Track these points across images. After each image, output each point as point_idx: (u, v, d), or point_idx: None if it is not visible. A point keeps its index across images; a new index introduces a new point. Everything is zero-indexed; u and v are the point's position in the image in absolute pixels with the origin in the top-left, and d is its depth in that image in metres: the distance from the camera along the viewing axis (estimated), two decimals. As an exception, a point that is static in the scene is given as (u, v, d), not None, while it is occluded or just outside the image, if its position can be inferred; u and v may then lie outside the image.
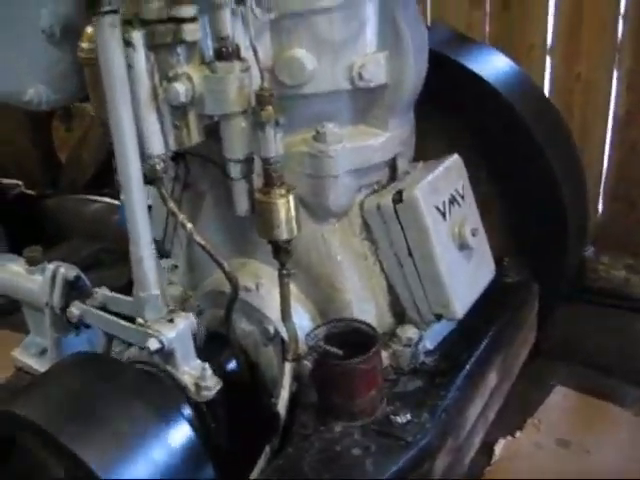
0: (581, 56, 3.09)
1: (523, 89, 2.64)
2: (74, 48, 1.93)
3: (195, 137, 1.75)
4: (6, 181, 4.52)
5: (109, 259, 3.92)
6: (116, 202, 4.12)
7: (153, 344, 1.69)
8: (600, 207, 3.25)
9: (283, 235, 1.77)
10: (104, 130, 1.75)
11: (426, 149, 2.27)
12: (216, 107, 1.70)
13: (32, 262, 2.15)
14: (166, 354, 1.75)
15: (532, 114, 2.48)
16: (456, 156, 2.20)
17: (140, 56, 1.64)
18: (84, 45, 1.80)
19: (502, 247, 2.46)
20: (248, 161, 1.77)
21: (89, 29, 1.77)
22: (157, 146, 1.71)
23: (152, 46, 1.66)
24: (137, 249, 1.72)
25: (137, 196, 1.69)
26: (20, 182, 4.54)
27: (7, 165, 4.61)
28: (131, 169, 1.67)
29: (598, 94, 3.09)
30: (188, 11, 1.63)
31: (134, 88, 1.64)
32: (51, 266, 2.09)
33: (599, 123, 3.14)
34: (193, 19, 1.64)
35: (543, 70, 3.13)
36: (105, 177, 4.25)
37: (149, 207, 1.84)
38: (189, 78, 1.68)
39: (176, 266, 2.40)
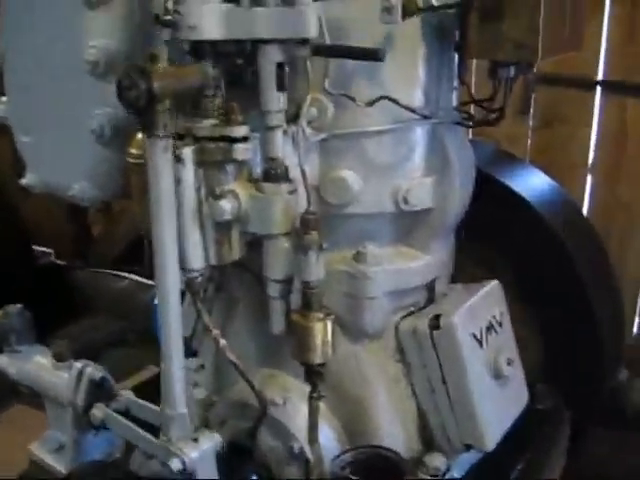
0: (622, 176, 3.07)
1: (566, 214, 2.64)
2: (121, 149, 1.94)
3: (237, 253, 1.73)
4: (37, 248, 4.54)
5: (135, 338, 3.89)
6: (145, 281, 4.13)
7: (176, 465, 1.65)
8: (635, 329, 3.18)
9: (317, 359, 1.73)
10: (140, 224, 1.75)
11: (463, 266, 2.25)
12: (260, 226, 1.69)
13: (59, 358, 2.13)
14: (187, 473, 1.70)
15: (574, 241, 2.47)
16: (496, 282, 2.17)
17: (189, 172, 1.64)
18: (133, 151, 1.80)
19: (534, 372, 2.40)
20: (288, 281, 1.74)
21: (139, 135, 1.77)
22: (198, 261, 1.69)
23: (201, 162, 1.65)
24: (168, 365, 1.69)
25: (173, 310, 1.67)
26: (51, 250, 4.56)
27: (40, 232, 4.64)
28: (169, 283, 1.66)
29: (638, 216, 3.06)
30: (240, 131, 1.63)
31: (180, 202, 1.64)
32: (78, 365, 2.07)
33: (637, 245, 3.10)
34: (245, 139, 1.64)
35: (584, 189, 3.11)
36: (135, 254, 4.24)
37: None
38: (236, 196, 1.67)
39: (202, 366, 2.36)
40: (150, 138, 1.54)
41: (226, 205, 1.65)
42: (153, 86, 1.48)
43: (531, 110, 3.04)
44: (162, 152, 1.54)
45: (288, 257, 1.72)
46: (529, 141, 3.20)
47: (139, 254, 4.16)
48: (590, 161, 3.08)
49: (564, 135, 3.11)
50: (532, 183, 2.78)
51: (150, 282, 4.08)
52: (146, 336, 3.85)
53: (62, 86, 2.04)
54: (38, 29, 2.05)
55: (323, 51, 1.60)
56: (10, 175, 4.52)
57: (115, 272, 4.26)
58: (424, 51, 1.84)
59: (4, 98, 2.26)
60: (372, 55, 1.55)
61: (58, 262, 4.43)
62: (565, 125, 3.10)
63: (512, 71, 1.84)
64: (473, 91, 2.05)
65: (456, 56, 1.95)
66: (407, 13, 1.65)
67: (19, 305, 2.23)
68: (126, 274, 4.20)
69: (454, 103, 2.02)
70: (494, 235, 2.58)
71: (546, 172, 2.85)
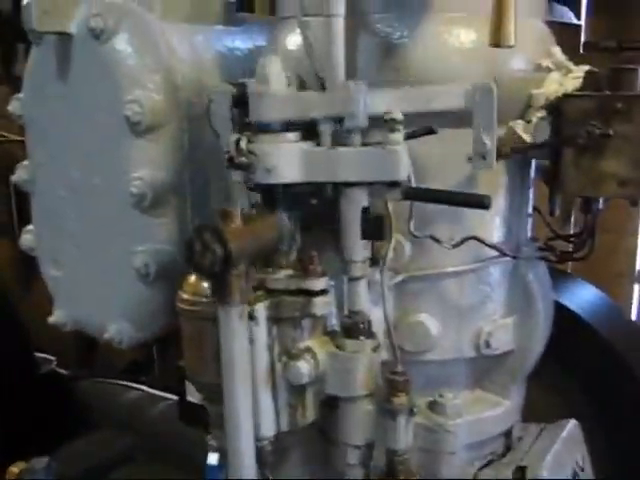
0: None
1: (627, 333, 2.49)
2: (168, 289, 1.76)
3: (310, 417, 1.54)
4: (39, 355, 4.29)
5: (144, 457, 3.64)
6: (154, 392, 3.89)
7: None
8: None
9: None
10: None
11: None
12: (340, 388, 1.50)
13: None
14: None
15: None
16: (574, 422, 1.99)
17: (262, 330, 1.45)
18: (186, 296, 1.60)
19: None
20: (369, 447, 1.54)
21: (192, 278, 1.58)
22: (268, 427, 1.50)
23: (275, 319, 1.46)
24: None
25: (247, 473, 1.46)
26: (53, 358, 4.32)
27: (41, 335, 4.39)
28: (243, 447, 1.45)
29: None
30: (320, 284, 1.45)
31: (252, 364, 1.44)
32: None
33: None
34: (324, 291, 1.46)
35: (630, 298, 2.96)
36: (143, 363, 4.03)
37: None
38: (313, 355, 1.48)
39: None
40: (224, 305, 1.35)
41: (304, 367, 1.46)
42: (230, 250, 1.31)
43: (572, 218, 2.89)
44: (237, 319, 1.36)
45: (371, 421, 1.52)
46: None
47: (149, 362, 3.98)
48: (638, 270, 2.93)
49: (608, 243, 2.97)
50: (584, 297, 2.64)
51: (160, 394, 3.86)
52: (155, 455, 3.63)
53: (100, 218, 1.86)
54: (74, 153, 1.88)
55: (418, 196, 1.43)
56: (9, 274, 4.35)
57: (122, 382, 4.01)
58: (507, 185, 1.70)
59: (30, 227, 2.07)
60: (478, 203, 1.38)
61: (61, 371, 4.17)
62: (609, 233, 2.96)
63: (602, 205, 1.69)
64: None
65: (532, 187, 1.81)
66: (501, 156, 1.50)
67: (45, 458, 2.00)
68: (134, 384, 3.97)
69: (529, 234, 1.86)
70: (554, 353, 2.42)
71: (589, 281, 2.70)
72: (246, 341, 1.39)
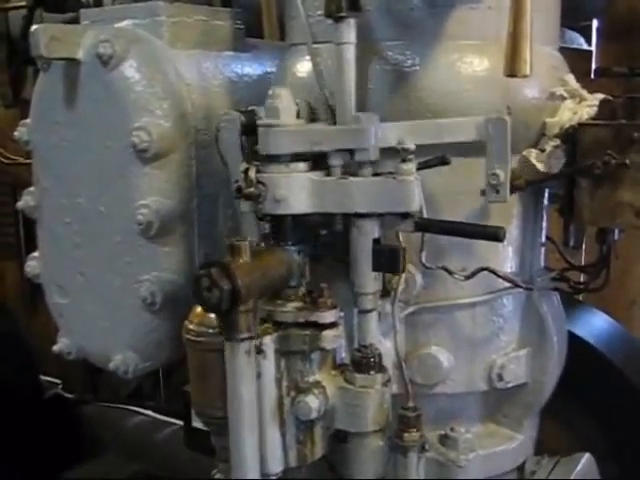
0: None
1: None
2: (174, 317, 1.74)
3: (319, 452, 1.50)
4: (44, 379, 4.25)
5: (150, 484, 3.60)
6: (160, 417, 3.86)
7: None
8: None
9: None
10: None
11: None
12: (350, 423, 1.46)
13: None
14: None
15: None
16: (588, 456, 1.94)
17: (270, 364, 1.42)
18: (192, 327, 1.56)
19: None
20: (379, 484, 1.50)
21: (199, 309, 1.54)
22: (276, 463, 1.46)
23: (284, 352, 1.43)
24: None
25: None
26: (58, 381, 4.28)
27: (46, 357, 4.36)
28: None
29: None
30: (329, 316, 1.41)
31: (260, 399, 1.40)
32: None
33: None
34: (333, 324, 1.43)
35: (643, 327, 2.92)
36: (149, 388, 3.99)
37: None
38: (322, 389, 1.44)
39: None
40: (231, 341, 1.32)
41: (313, 402, 1.42)
42: (238, 287, 1.28)
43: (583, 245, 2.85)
44: (244, 356, 1.32)
45: (381, 456, 1.48)
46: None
47: (155, 387, 3.93)
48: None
49: (618, 271, 2.93)
50: (598, 326, 2.60)
51: (166, 419, 3.82)
52: (160, 480, 3.58)
53: (106, 245, 1.83)
54: (80, 180, 1.85)
55: (431, 227, 1.40)
56: (16, 297, 4.32)
57: (127, 407, 3.97)
58: (520, 215, 1.66)
59: (36, 253, 2.05)
60: (492, 236, 1.35)
61: (66, 395, 4.13)
62: (620, 260, 2.91)
63: (618, 235, 1.65)
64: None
65: (545, 217, 1.78)
66: (515, 189, 1.47)
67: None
68: (140, 409, 3.93)
69: (543, 264, 1.83)
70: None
71: (601, 309, 2.66)
72: (253, 377, 1.35)
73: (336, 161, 1.40)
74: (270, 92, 1.42)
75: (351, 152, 1.39)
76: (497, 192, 1.40)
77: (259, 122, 1.42)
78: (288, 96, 1.41)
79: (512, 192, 1.44)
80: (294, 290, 1.43)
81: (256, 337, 1.39)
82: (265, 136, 1.41)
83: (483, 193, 1.41)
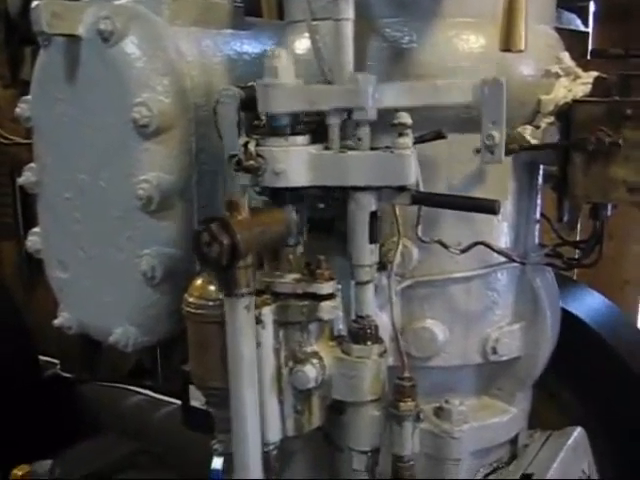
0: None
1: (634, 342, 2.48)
2: (174, 292, 1.76)
3: (317, 422, 1.53)
4: (42, 358, 4.28)
5: (147, 461, 3.62)
6: (158, 396, 3.88)
7: None
8: None
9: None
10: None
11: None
12: (347, 393, 1.49)
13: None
14: None
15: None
16: (580, 430, 1.97)
17: (268, 334, 1.45)
18: (192, 300, 1.59)
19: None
20: (374, 453, 1.53)
21: (199, 281, 1.57)
22: (274, 432, 1.49)
23: (282, 323, 1.46)
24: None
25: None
26: (57, 361, 4.30)
27: (45, 336, 4.38)
28: (249, 452, 1.44)
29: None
30: (327, 288, 1.44)
31: (259, 368, 1.43)
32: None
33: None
34: (331, 295, 1.45)
35: (637, 306, 2.95)
36: (148, 366, 4.01)
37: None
38: (320, 359, 1.47)
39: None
40: (230, 297, 1.34)
41: (311, 372, 1.45)
42: (237, 241, 1.30)
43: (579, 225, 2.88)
44: (244, 312, 1.35)
45: (377, 426, 1.51)
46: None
47: (153, 366, 3.96)
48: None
49: (614, 250, 2.96)
50: (591, 305, 2.63)
51: (164, 398, 3.84)
52: (159, 459, 3.61)
53: (106, 220, 1.85)
54: (81, 156, 1.87)
55: (427, 200, 1.42)
56: (14, 276, 4.34)
57: (126, 386, 4.00)
58: (515, 191, 1.69)
59: (37, 229, 2.07)
60: (488, 208, 1.38)
61: (64, 374, 4.15)
62: (614, 240, 2.95)
63: (610, 211, 1.68)
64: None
65: (540, 193, 1.80)
66: (509, 152, 1.49)
67: (48, 462, 1.98)
68: (138, 389, 3.95)
69: (537, 240, 1.85)
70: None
71: (595, 289, 2.69)
72: (253, 333, 1.38)
73: (334, 121, 1.41)
74: (269, 52, 1.42)
75: (349, 114, 1.41)
76: (492, 153, 1.42)
77: (258, 82, 1.43)
78: (287, 56, 1.42)
79: (506, 155, 1.46)
80: (292, 252, 1.45)
81: (255, 308, 1.41)
82: (264, 95, 1.42)
83: (478, 152, 1.43)
